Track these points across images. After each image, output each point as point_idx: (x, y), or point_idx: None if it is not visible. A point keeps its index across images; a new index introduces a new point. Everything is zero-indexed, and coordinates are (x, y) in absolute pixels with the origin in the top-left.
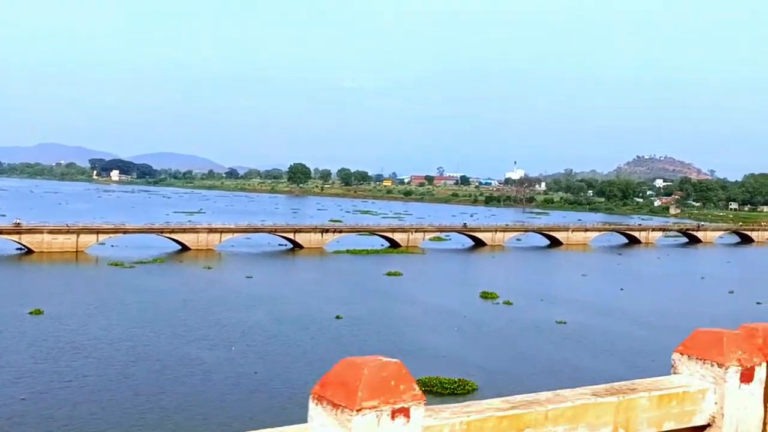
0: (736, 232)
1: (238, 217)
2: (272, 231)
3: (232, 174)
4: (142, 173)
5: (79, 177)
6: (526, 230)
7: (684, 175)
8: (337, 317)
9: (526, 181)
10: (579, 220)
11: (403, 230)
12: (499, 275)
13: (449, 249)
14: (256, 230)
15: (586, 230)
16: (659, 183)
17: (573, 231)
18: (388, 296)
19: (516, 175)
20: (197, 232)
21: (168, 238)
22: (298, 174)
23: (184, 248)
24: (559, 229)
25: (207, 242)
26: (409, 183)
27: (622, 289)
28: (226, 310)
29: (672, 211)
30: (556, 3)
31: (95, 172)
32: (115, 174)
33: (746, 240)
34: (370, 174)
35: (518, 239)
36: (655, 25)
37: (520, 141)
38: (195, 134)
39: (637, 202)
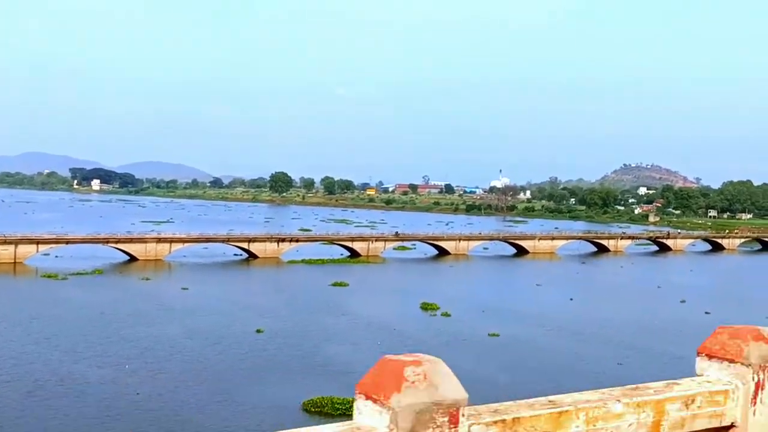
0: (707, 240)
1: (207, 226)
2: (225, 241)
3: (216, 183)
4: (124, 182)
5: (59, 186)
6: (491, 239)
7: (670, 183)
8: (258, 331)
9: (511, 190)
10: (556, 228)
11: (363, 239)
12: (450, 285)
13: (411, 258)
14: (208, 240)
15: (553, 239)
16: (643, 191)
17: (539, 239)
18: (323, 308)
19: (501, 183)
20: (145, 242)
21: (115, 248)
22: (280, 183)
23: (132, 259)
24: (525, 238)
25: (156, 252)
26: (393, 192)
27: (571, 299)
28: (140, 323)
29: (651, 219)
30: (547, 13)
31: (76, 181)
32: (95, 183)
33: (717, 248)
34: (356, 183)
35: (485, 248)
36: (646, 32)
37: (510, 149)
38: (183, 143)
39: (618, 210)
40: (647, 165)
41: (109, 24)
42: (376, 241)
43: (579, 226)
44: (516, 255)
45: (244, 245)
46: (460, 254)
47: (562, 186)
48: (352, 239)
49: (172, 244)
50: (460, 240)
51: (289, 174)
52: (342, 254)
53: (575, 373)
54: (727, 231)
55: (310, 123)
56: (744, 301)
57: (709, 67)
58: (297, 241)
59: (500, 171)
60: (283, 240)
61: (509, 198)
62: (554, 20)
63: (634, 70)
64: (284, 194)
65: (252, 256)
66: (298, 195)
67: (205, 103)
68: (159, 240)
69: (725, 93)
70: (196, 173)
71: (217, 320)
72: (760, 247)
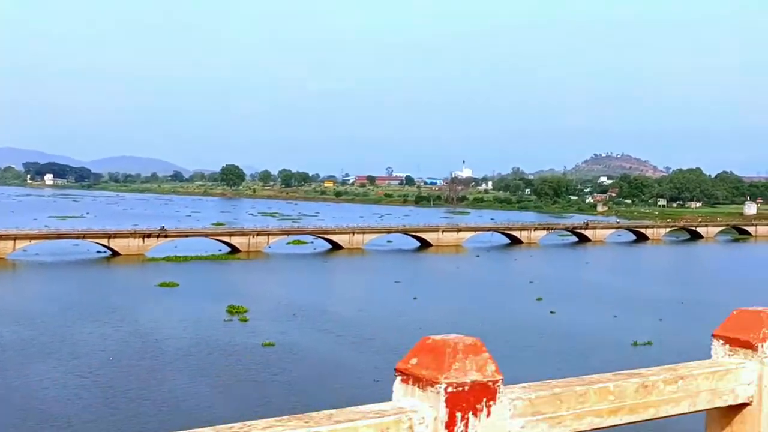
0: (630, 230)
1: (120, 221)
2: (81, 236)
3: (176, 177)
4: (80, 177)
5: (12, 181)
6: (389, 231)
7: (640, 172)
8: None
9: (461, 181)
10: (492, 219)
11: (243, 234)
12: (290, 285)
13: (296, 254)
14: (60, 236)
15: (459, 230)
16: (604, 180)
17: (443, 231)
18: (113, 314)
19: (464, 174)
20: None
21: None
22: (231, 176)
23: None
24: (428, 230)
25: None
26: (352, 184)
27: (415, 299)
28: None
29: (599, 208)
30: (522, 8)
31: (30, 176)
32: (49, 178)
33: (641, 238)
34: (322, 175)
35: (389, 241)
36: (618, 25)
37: (483, 142)
38: (160, 138)
39: (569, 200)
40: (617, 155)
41: (83, 18)
42: (257, 235)
43: (523, 217)
44: (419, 248)
45: (104, 241)
46: (354, 248)
47: (526, 177)
48: (230, 234)
49: (17, 240)
50: (353, 233)
51: (269, 169)
52: (220, 250)
53: (329, 390)
54: (669, 220)
55: (283, 117)
56: (603, 298)
57: (679, 56)
58: (166, 236)
59: (463, 162)
60: (149, 236)
61: (460, 189)
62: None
63: (601, 61)
64: (235, 188)
65: (114, 253)
66: (249, 188)
67: (183, 98)
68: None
69: (696, 84)
70: (173, 167)
71: None
72: (688, 236)
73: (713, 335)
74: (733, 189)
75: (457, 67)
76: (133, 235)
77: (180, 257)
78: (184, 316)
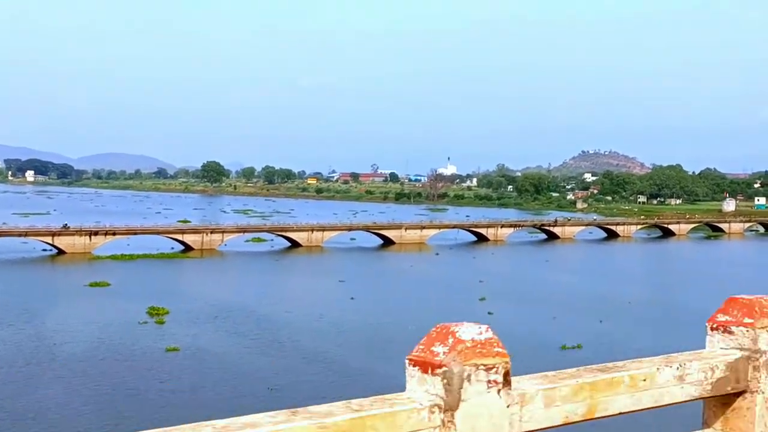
0: (600, 227)
1: (83, 218)
2: (23, 234)
3: (161, 174)
4: (63, 173)
5: None
6: (351, 228)
7: (627, 169)
8: None
9: (457, 177)
10: (467, 216)
11: (196, 231)
12: (227, 285)
13: (252, 252)
14: (1, 234)
15: (423, 228)
16: (588, 177)
17: (406, 229)
18: (22, 316)
19: (449, 171)
20: None
21: None
22: (212, 172)
23: None
24: (391, 227)
25: None
26: (336, 181)
27: (352, 299)
28: None
29: (579, 205)
30: (509, 8)
31: (11, 172)
32: (30, 174)
33: (612, 235)
34: (307, 172)
35: (352, 239)
36: (608, 23)
37: (473, 139)
38: (151, 135)
39: (550, 197)
40: (605, 151)
41: (74, 15)
42: (211, 233)
43: (502, 214)
44: (382, 246)
45: (48, 239)
46: (313, 246)
47: (511, 174)
48: (183, 231)
49: None
50: (312, 231)
51: (252, 165)
52: (173, 248)
53: (215, 400)
54: (642, 217)
55: (273, 114)
56: (550, 298)
57: (666, 53)
58: (114, 234)
59: (448, 159)
60: (96, 233)
61: (441, 186)
62: (524, 17)
63: (591, 57)
64: (216, 184)
65: (60, 251)
66: (230, 185)
67: (173, 95)
68: None
69: (684, 80)
70: (160, 164)
71: None
72: (660, 233)
73: (708, 324)
74: (714, 186)
75: (446, 64)
76: (79, 232)
77: (127, 256)
78: (98, 318)
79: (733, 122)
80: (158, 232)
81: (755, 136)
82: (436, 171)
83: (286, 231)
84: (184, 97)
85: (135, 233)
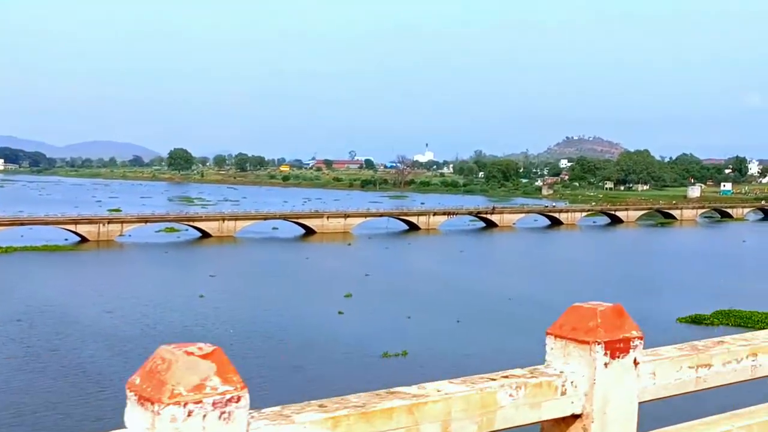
0: (543, 215)
1: (26, 206)
2: None
3: (136, 162)
4: (34, 162)
5: None
6: (266, 218)
7: (611, 155)
8: None
9: (434, 164)
10: (422, 203)
11: (91, 222)
12: (82, 282)
13: (154, 243)
14: None
15: (346, 216)
16: (564, 163)
17: (329, 218)
18: None
19: (425, 158)
20: None
21: None
22: (179, 160)
23: None
24: (311, 216)
25: None
26: (310, 168)
27: (201, 296)
28: None
29: (544, 192)
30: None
31: None
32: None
33: (555, 223)
34: (288, 159)
35: (275, 228)
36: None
37: (456, 127)
38: (136, 123)
39: (517, 184)
40: (589, 137)
41: (61, 8)
42: (108, 223)
43: (463, 201)
44: (303, 236)
45: None
46: (224, 236)
47: (486, 160)
48: (76, 222)
49: None
50: (224, 220)
51: (236, 153)
52: (67, 239)
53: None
54: (619, 203)
55: (263, 101)
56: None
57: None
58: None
59: (426, 145)
60: None
61: (407, 173)
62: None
63: (579, 48)
64: (183, 172)
65: None
66: (197, 173)
67: (160, 82)
68: None
69: (667, 68)
70: (146, 152)
71: None
72: (608, 220)
73: (547, 333)
74: (683, 171)
75: (432, 53)
76: None
77: (8, 248)
78: None
79: (718, 108)
80: (48, 223)
81: (739, 122)
82: (404, 157)
83: (193, 221)
84: (175, 86)
85: (22, 224)
